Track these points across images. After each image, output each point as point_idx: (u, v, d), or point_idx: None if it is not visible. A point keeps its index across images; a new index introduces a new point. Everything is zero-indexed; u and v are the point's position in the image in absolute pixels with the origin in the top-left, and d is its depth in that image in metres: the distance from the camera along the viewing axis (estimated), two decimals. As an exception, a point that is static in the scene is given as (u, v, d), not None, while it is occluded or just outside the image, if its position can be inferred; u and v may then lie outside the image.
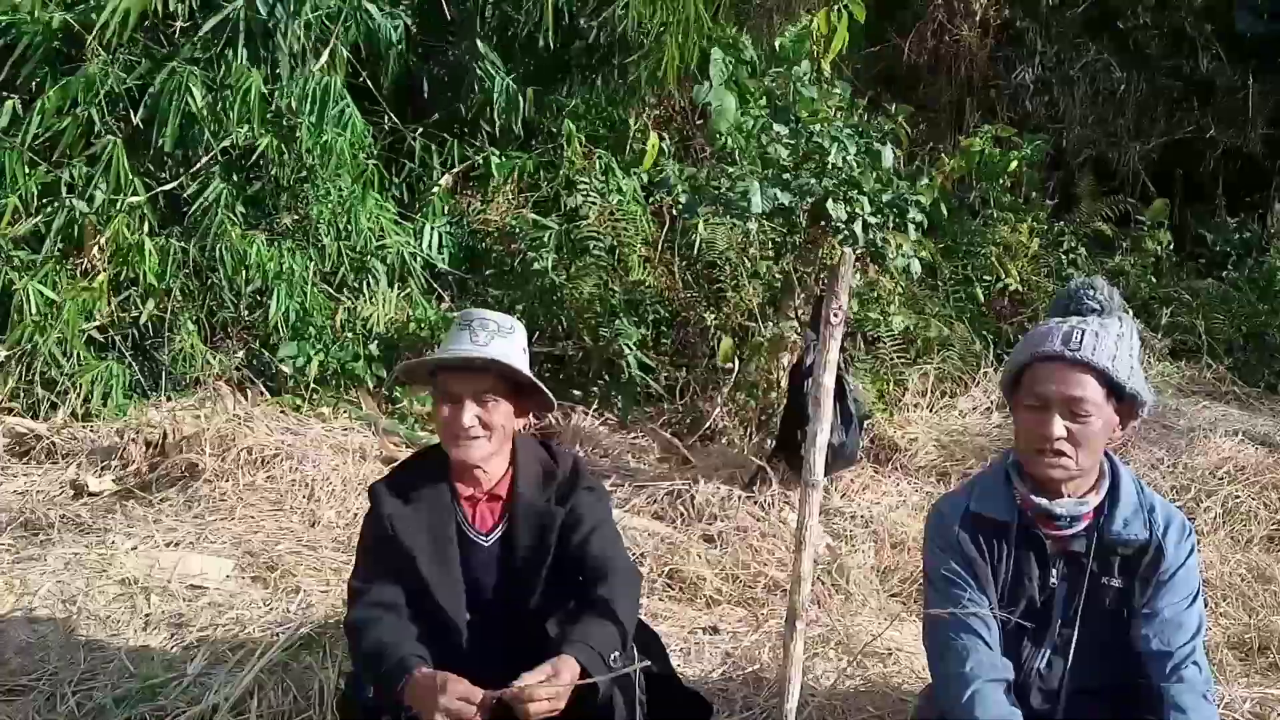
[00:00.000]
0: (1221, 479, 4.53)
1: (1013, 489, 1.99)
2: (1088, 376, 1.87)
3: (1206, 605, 3.59)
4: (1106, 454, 2.01)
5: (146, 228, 4.71)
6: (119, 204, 4.56)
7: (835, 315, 2.03)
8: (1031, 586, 1.97)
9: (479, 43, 5.30)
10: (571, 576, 2.18)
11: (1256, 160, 8.77)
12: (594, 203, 5.56)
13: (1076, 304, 1.98)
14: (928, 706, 2.13)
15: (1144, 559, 1.93)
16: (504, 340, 2.13)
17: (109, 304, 4.68)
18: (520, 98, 5.41)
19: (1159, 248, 7.01)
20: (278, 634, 2.87)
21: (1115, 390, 1.88)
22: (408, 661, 1.95)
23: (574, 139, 5.55)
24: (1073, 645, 1.95)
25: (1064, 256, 6.56)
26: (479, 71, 5.34)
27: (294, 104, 4.70)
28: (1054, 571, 1.96)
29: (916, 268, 4.38)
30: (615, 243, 5.53)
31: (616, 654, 1.98)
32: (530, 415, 2.28)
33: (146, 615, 3.10)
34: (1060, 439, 1.86)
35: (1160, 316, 6.58)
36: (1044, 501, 1.93)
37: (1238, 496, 4.39)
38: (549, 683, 1.82)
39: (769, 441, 4.62)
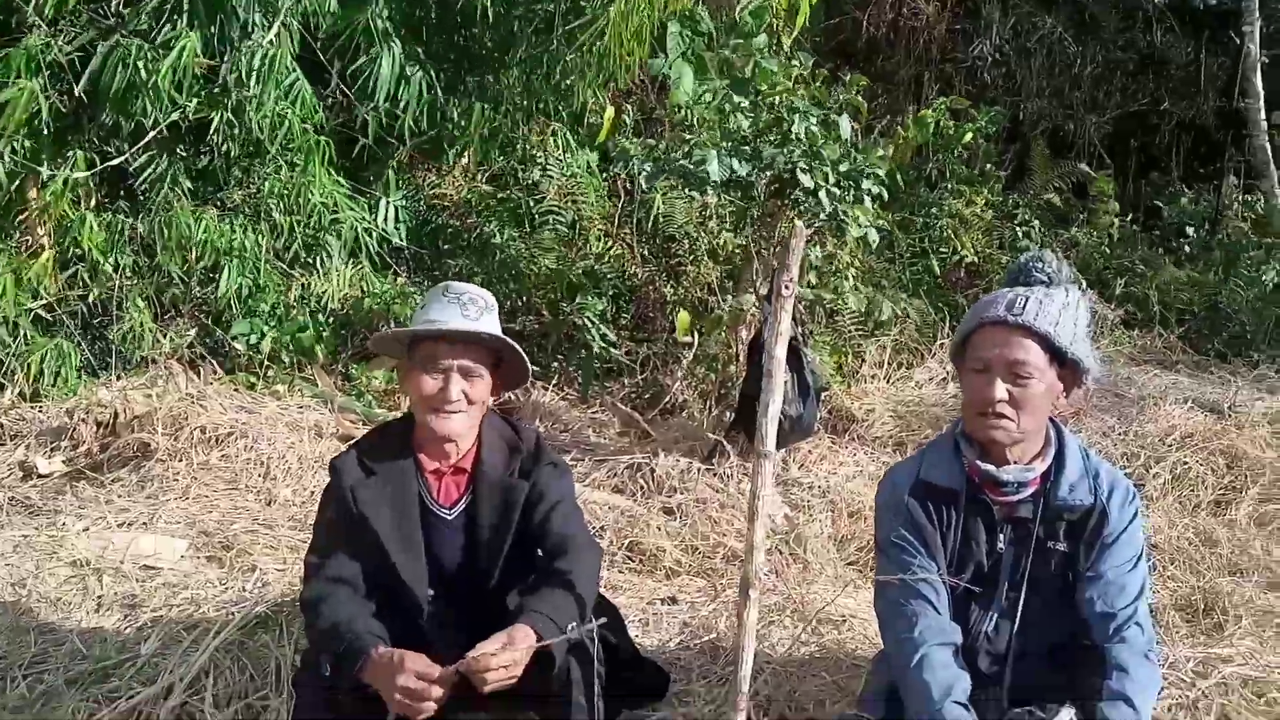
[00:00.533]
0: (1170, 445, 4.62)
1: (961, 457, 2.01)
2: (1030, 341, 1.90)
3: (1155, 569, 3.69)
4: (1053, 421, 2.04)
5: (92, 203, 4.60)
6: (62, 179, 4.45)
7: (786, 287, 2.03)
8: (979, 552, 2.00)
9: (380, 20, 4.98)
10: (532, 551, 2.19)
11: (1209, 132, 8.91)
12: (552, 176, 5.53)
13: (1026, 276, 2.00)
14: (880, 671, 2.17)
15: (1089, 523, 1.97)
16: (490, 315, 2.17)
17: (55, 281, 4.59)
18: (423, 86, 5.12)
19: (1112, 219, 7.10)
20: (233, 613, 2.85)
21: (1057, 355, 1.92)
22: (364, 640, 1.94)
23: (520, 115, 5.44)
24: (1019, 608, 1.99)
25: (1018, 229, 6.63)
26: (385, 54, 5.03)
27: (242, 76, 4.60)
28: (1001, 537, 1.99)
29: (874, 237, 4.39)
30: (575, 217, 5.51)
31: (574, 624, 2.00)
32: (498, 392, 2.29)
33: (99, 597, 3.06)
34: (1002, 401, 1.89)
35: (1114, 287, 6.69)
36: (991, 468, 1.96)
37: (1186, 463, 4.47)
38: (503, 651, 1.82)
39: (728, 414, 4.64)
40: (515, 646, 1.85)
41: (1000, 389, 1.89)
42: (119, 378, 4.59)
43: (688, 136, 4.62)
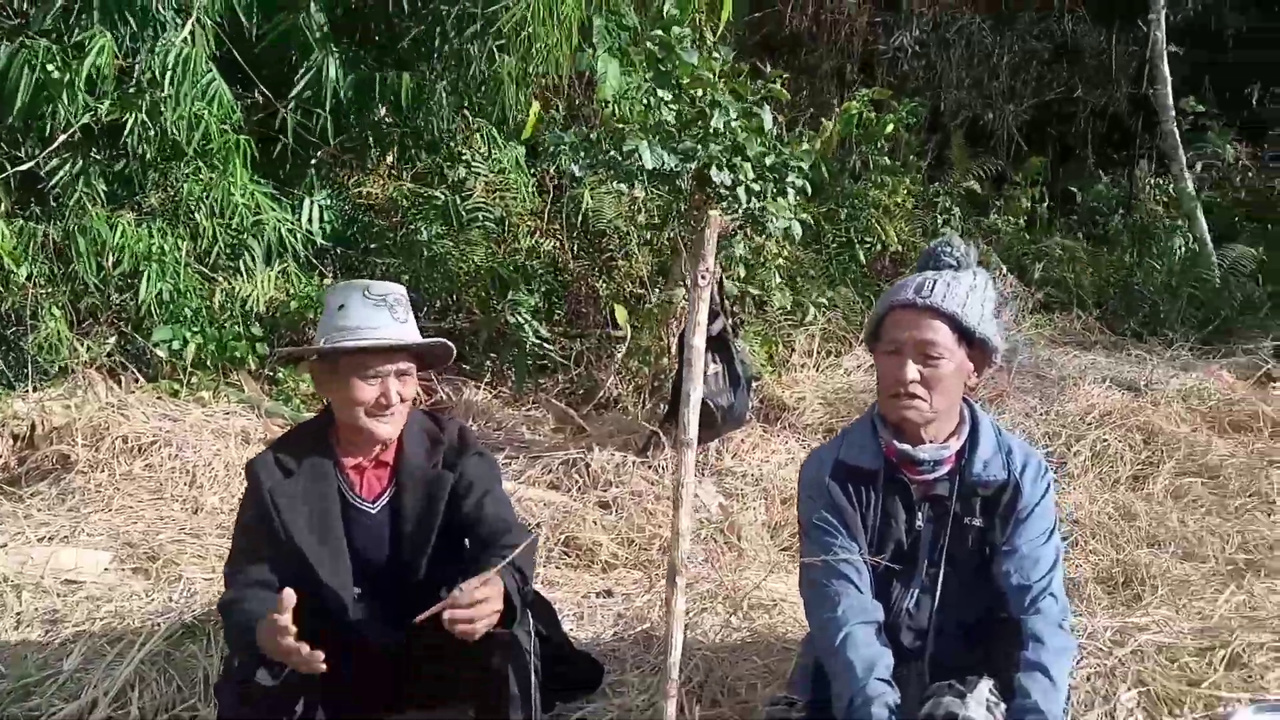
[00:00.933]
0: (1090, 424, 4.77)
1: (879, 438, 2.06)
2: (938, 322, 1.95)
3: (1076, 544, 3.80)
4: (966, 400, 2.09)
5: (1, 209, 4.46)
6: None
7: (703, 277, 2.05)
8: (898, 530, 2.05)
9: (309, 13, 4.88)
10: (460, 543, 2.19)
11: (1121, 118, 9.17)
12: (479, 173, 5.49)
13: (935, 260, 2.05)
14: (807, 652, 2.20)
15: (1003, 498, 2.03)
16: (410, 312, 2.17)
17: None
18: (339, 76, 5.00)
19: (1030, 205, 7.28)
20: (159, 624, 2.80)
21: (966, 335, 1.97)
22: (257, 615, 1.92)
23: (442, 109, 5.38)
24: (939, 584, 2.04)
25: (940, 216, 6.77)
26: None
27: (155, 76, 4.49)
28: (919, 515, 2.04)
29: (797, 230, 4.44)
30: (504, 213, 5.48)
31: (527, 589, 2.02)
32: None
33: (18, 614, 2.98)
34: (913, 381, 1.94)
35: (1033, 271, 6.87)
36: (907, 448, 2.01)
37: (1105, 440, 4.61)
38: (481, 586, 1.81)
39: (661, 407, 4.67)
40: (494, 586, 1.84)
41: (911, 370, 1.94)
42: (35, 389, 4.46)
43: (621, 126, 4.63)
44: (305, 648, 1.80)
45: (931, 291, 1.95)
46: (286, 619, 1.80)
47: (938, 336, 1.94)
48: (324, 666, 1.82)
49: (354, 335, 2.07)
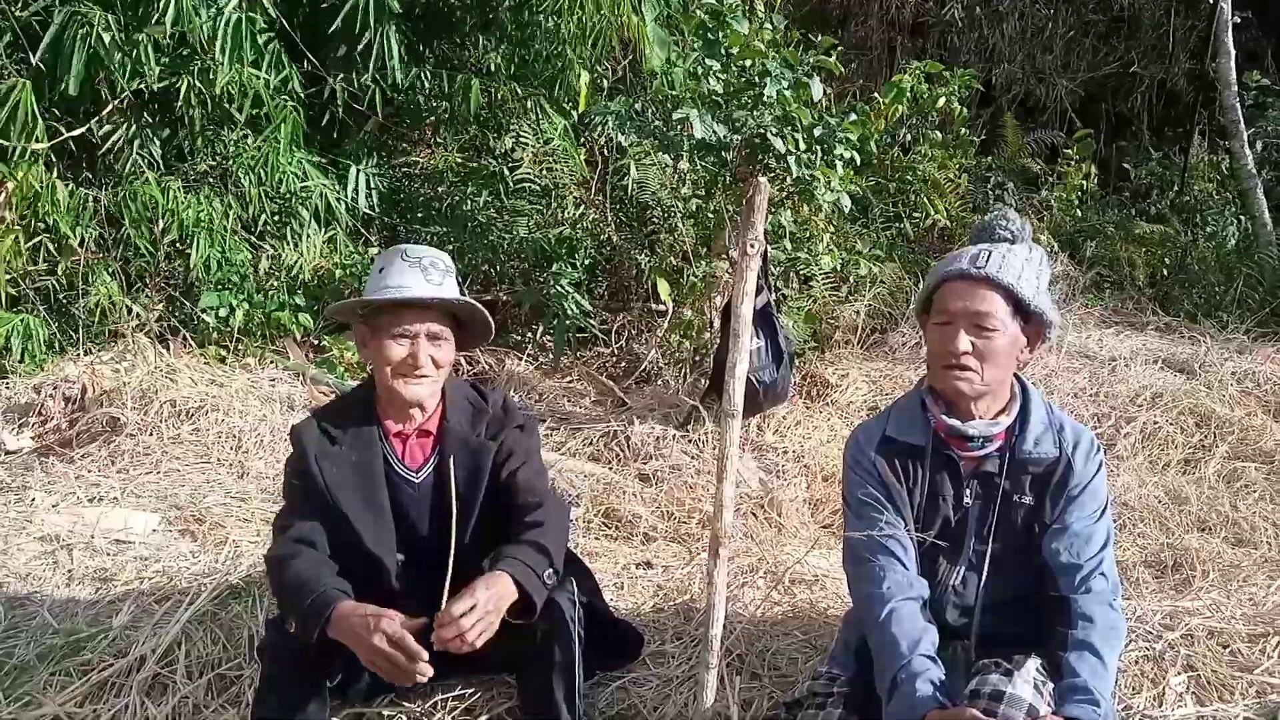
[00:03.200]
0: (1141, 405, 4.68)
1: (927, 414, 2.02)
2: (993, 293, 1.91)
3: (1125, 527, 3.74)
4: (1017, 376, 2.05)
5: (55, 175, 4.52)
6: (22, 151, 4.35)
7: (752, 245, 2.03)
8: (946, 506, 2.01)
9: None
10: (500, 511, 2.19)
11: (1179, 94, 8.93)
12: (526, 144, 5.47)
13: (990, 233, 2.01)
14: (850, 628, 2.18)
15: (1054, 476, 1.98)
16: (451, 279, 2.16)
17: (21, 255, 4.51)
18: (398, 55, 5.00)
19: (1083, 182, 7.12)
20: (205, 584, 2.83)
21: (1021, 308, 1.93)
22: (330, 595, 1.94)
23: (493, 83, 5.36)
24: (986, 561, 2.00)
25: (991, 192, 6.64)
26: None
27: (205, 43, 4.51)
28: (968, 491, 2.00)
29: (846, 202, 4.39)
30: (550, 184, 5.46)
31: (549, 571, 2.02)
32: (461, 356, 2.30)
33: (69, 571, 3.04)
34: (966, 353, 1.90)
35: (1085, 249, 6.72)
36: (957, 423, 1.96)
37: (1156, 422, 4.53)
38: (467, 604, 1.85)
39: (702, 381, 4.65)
40: (489, 593, 1.87)
41: (964, 341, 1.90)
42: (87, 353, 4.54)
43: (669, 94, 4.59)
44: (412, 659, 1.84)
45: (987, 262, 1.90)
46: (424, 666, 1.84)
47: (992, 308, 1.90)
48: (427, 676, 1.86)
49: (389, 294, 2.08)
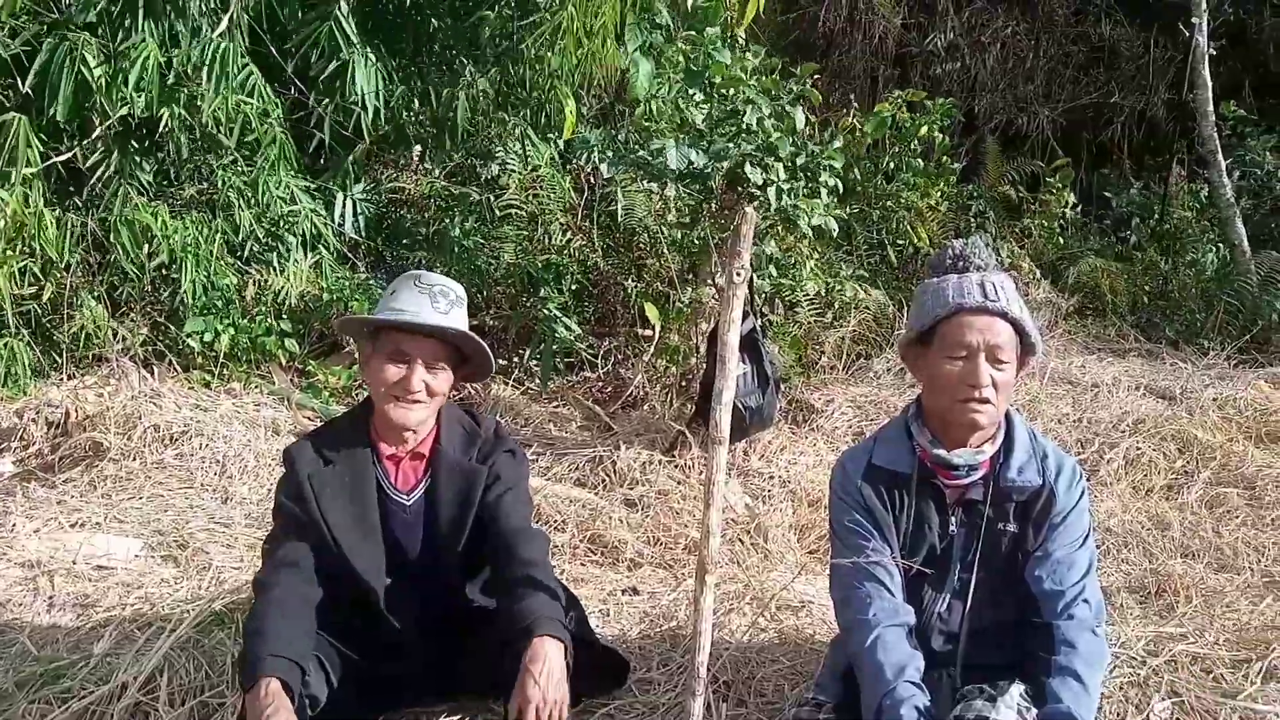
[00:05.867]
0: (1124, 431, 4.70)
1: (913, 442, 2.04)
2: (1006, 325, 1.95)
3: (1108, 553, 3.75)
4: (1001, 404, 2.07)
5: (42, 201, 4.52)
6: (12, 178, 4.35)
7: (738, 274, 2.05)
8: (932, 534, 2.03)
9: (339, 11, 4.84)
10: (488, 534, 2.19)
11: (1158, 124, 9.06)
12: (513, 170, 5.51)
13: (964, 262, 2.02)
14: (837, 654, 2.19)
15: (1037, 504, 2.00)
16: (460, 310, 2.19)
17: (6, 280, 4.49)
18: (380, 78, 5.00)
19: (1064, 209, 7.21)
20: (188, 611, 2.81)
21: (1023, 338, 1.97)
22: (261, 665, 1.91)
23: (478, 110, 5.40)
24: (971, 588, 2.01)
25: (973, 219, 6.72)
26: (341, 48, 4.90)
27: (191, 71, 4.53)
28: (953, 519, 2.02)
29: (833, 225, 4.43)
30: (536, 210, 5.49)
31: (569, 616, 2.07)
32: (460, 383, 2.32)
33: (50, 597, 3.01)
34: (988, 386, 1.92)
35: (1067, 276, 6.79)
36: (942, 452, 1.98)
37: (1139, 448, 4.55)
38: (547, 683, 1.90)
39: (689, 406, 4.66)
40: (548, 664, 1.92)
41: (986, 374, 1.92)
42: (70, 377, 4.52)
43: (648, 124, 4.62)
44: None
45: (998, 296, 1.94)
46: None
47: (1007, 341, 1.94)
48: None
49: (393, 317, 2.10)
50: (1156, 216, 8.06)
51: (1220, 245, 7.48)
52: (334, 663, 2.14)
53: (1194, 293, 6.85)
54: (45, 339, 4.68)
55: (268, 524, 2.41)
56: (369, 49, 4.94)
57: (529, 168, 5.49)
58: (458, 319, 2.16)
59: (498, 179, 5.50)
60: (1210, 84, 7.46)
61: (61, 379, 4.51)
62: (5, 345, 4.43)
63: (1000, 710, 1.81)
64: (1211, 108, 7.47)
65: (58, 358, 4.61)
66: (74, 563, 3.19)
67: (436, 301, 2.12)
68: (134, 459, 3.92)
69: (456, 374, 2.22)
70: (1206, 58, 7.39)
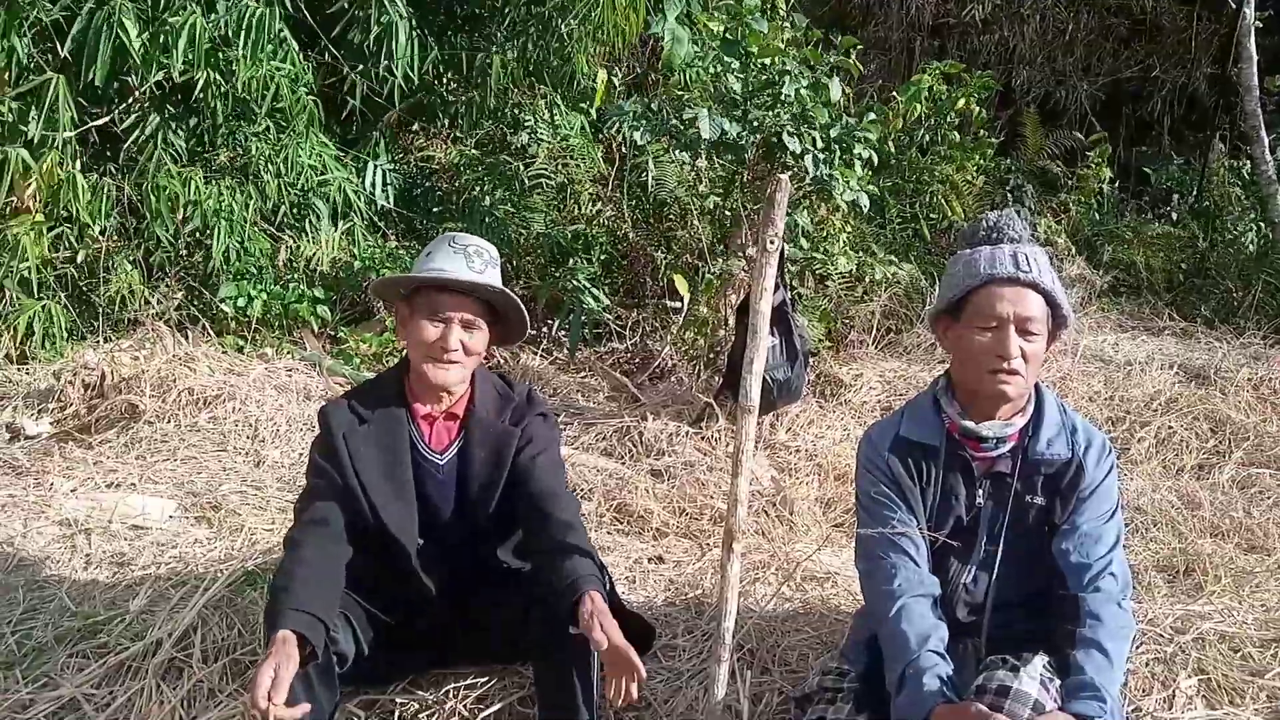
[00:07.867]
0: (1155, 410, 4.65)
1: (941, 414, 2.03)
2: (1037, 297, 1.94)
3: (1137, 531, 3.72)
4: (1030, 376, 2.05)
5: (78, 165, 4.57)
6: (51, 140, 4.40)
7: (771, 242, 2.04)
8: (959, 506, 2.02)
9: None
10: (520, 495, 2.21)
11: (1200, 99, 8.88)
12: (542, 139, 5.50)
13: (998, 234, 2.00)
14: (861, 623, 2.19)
15: (1065, 477, 1.99)
16: (495, 269, 2.19)
17: (43, 243, 4.56)
18: (416, 44, 5.01)
19: (1101, 184, 7.09)
20: (221, 570, 2.86)
21: (1054, 310, 1.96)
22: (282, 617, 1.90)
23: (507, 78, 5.38)
24: (997, 560, 2.01)
25: (1009, 194, 6.62)
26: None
27: (229, 35, 4.54)
28: (980, 491, 2.01)
29: (865, 201, 4.39)
30: (565, 180, 5.48)
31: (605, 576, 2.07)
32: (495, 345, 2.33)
33: (87, 555, 3.08)
34: (1016, 357, 1.91)
35: (1102, 253, 6.69)
36: (971, 424, 1.97)
37: (1170, 427, 4.50)
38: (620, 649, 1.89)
39: (716, 378, 4.66)
40: (606, 624, 1.90)
41: (1015, 345, 1.91)
42: (106, 340, 4.59)
43: (680, 93, 4.60)
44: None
45: (1030, 267, 1.92)
46: (283, 684, 1.78)
47: (1038, 313, 1.93)
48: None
49: (430, 275, 2.12)
50: (1195, 193, 7.91)
51: (1261, 224, 7.34)
52: (363, 622, 2.16)
53: (1232, 271, 6.73)
54: (82, 302, 4.75)
55: (299, 488, 2.43)
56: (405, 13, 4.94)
57: (558, 137, 5.48)
58: (493, 278, 2.16)
59: (527, 148, 5.50)
60: (1256, 58, 7.29)
61: (98, 342, 4.58)
62: (43, 308, 4.50)
63: (1023, 680, 1.81)
64: (1256, 82, 7.31)
65: (94, 321, 4.67)
66: (110, 522, 3.25)
67: (472, 261, 2.13)
68: (168, 421, 3.99)
69: (491, 333, 2.23)
70: (1253, 30, 7.22)
